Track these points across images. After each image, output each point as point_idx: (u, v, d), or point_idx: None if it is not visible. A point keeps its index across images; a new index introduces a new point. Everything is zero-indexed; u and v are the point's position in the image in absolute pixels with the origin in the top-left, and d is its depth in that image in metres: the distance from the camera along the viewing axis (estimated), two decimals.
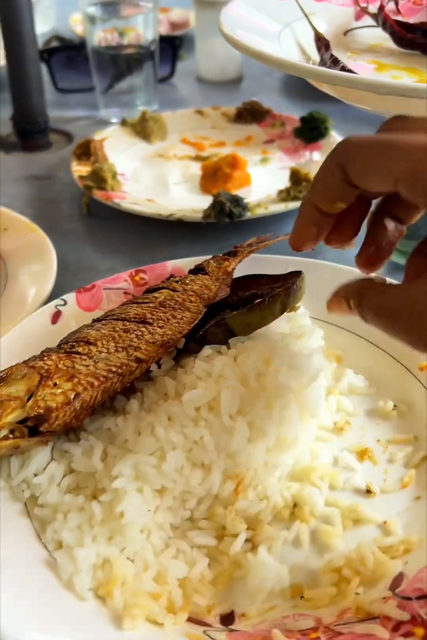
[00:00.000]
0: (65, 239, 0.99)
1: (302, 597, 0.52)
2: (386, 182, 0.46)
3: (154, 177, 1.14)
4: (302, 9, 0.82)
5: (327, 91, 0.76)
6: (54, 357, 0.57)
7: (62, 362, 0.57)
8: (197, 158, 1.19)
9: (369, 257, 0.55)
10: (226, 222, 0.96)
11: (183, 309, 0.66)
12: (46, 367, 0.56)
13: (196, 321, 0.65)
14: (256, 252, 0.78)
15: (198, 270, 0.74)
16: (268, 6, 0.82)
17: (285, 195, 1.00)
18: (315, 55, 0.81)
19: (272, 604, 0.52)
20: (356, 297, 0.51)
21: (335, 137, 1.17)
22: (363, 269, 0.56)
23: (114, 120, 1.33)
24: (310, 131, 1.17)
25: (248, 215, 0.97)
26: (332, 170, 0.50)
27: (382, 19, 0.86)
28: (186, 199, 1.06)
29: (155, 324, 0.63)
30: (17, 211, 0.98)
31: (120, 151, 1.17)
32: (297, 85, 1.56)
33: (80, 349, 0.59)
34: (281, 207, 0.98)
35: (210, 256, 0.78)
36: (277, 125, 1.24)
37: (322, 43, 0.80)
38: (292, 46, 0.79)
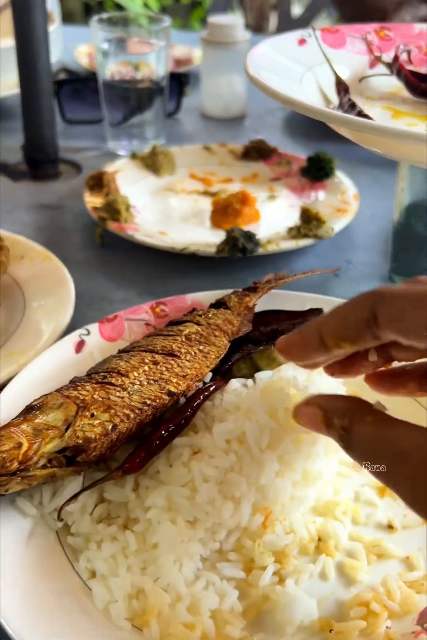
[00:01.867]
0: (79, 268, 1.00)
1: (331, 630, 0.53)
2: (419, 332, 0.42)
3: (163, 210, 1.16)
4: (325, 55, 0.85)
5: (343, 133, 0.79)
6: (88, 388, 0.58)
7: (97, 392, 0.58)
8: (206, 193, 1.21)
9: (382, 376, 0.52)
10: (238, 257, 0.98)
11: (209, 343, 0.67)
12: (82, 397, 0.57)
13: (222, 356, 0.66)
14: (274, 288, 0.80)
15: (219, 304, 0.76)
16: (290, 51, 0.85)
17: (295, 233, 1.02)
18: (334, 99, 0.84)
19: (302, 637, 0.53)
20: (344, 418, 0.46)
21: (340, 177, 1.20)
22: (374, 387, 0.54)
23: (122, 152, 1.35)
24: (316, 171, 1.20)
25: (260, 251, 0.99)
26: (361, 307, 0.46)
27: (397, 69, 0.89)
28: (197, 233, 1.08)
29: (183, 358, 0.64)
30: (29, 239, 0.99)
31: (130, 184, 1.19)
32: (300, 125, 1.60)
33: (113, 380, 0.60)
34: (291, 244, 1.00)
35: (229, 290, 0.80)
36: (284, 164, 1.27)
37: (341, 87, 0.84)
38: (313, 89, 0.82)
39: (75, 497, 0.55)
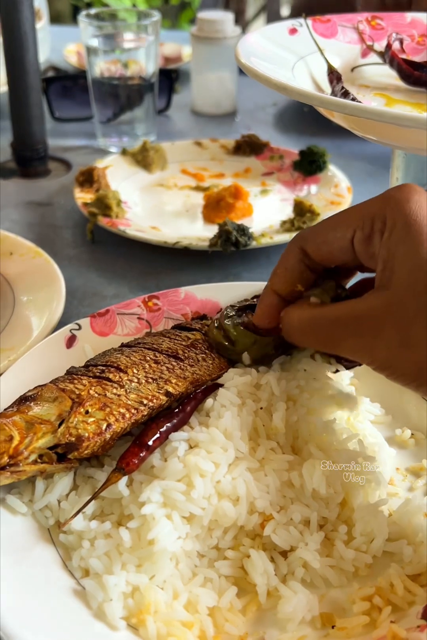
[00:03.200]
0: (70, 265, 0.99)
1: (333, 626, 0.52)
2: (343, 243, 0.54)
3: (155, 205, 1.14)
4: (316, 43, 0.84)
5: (337, 121, 0.78)
6: (85, 382, 0.57)
7: (93, 388, 0.56)
8: (198, 188, 1.19)
9: None
10: (231, 251, 0.96)
11: (214, 356, 0.65)
12: (78, 392, 0.55)
13: (224, 371, 0.64)
14: None
15: None
16: (282, 40, 0.84)
17: (289, 225, 1.01)
18: (326, 88, 0.83)
19: (303, 634, 0.51)
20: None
21: (333, 170, 1.19)
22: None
23: (112, 149, 1.34)
24: (309, 164, 1.19)
25: (253, 244, 0.97)
26: (292, 253, 0.58)
27: (390, 57, 0.88)
28: (189, 228, 1.07)
29: (186, 362, 0.63)
30: (19, 236, 0.97)
31: (121, 179, 1.18)
32: (291, 121, 1.59)
33: (111, 376, 0.58)
34: (285, 237, 0.99)
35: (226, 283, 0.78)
36: (276, 158, 1.26)
37: (334, 76, 0.82)
38: (305, 78, 0.80)
39: (80, 511, 0.53)
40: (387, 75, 0.91)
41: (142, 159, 1.23)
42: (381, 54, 0.91)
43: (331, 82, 0.83)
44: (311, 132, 1.47)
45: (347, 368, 0.66)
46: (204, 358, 0.64)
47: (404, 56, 0.91)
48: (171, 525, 0.52)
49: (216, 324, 0.67)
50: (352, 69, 0.91)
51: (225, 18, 1.46)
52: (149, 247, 1.00)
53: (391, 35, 0.91)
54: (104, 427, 0.54)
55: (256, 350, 0.64)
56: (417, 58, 0.93)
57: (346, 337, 0.52)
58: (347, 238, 0.54)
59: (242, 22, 2.65)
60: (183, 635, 0.48)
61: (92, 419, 0.54)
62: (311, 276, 0.59)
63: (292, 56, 0.82)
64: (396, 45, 0.90)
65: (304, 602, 0.52)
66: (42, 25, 1.63)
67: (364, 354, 0.52)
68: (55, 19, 3.06)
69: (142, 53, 1.29)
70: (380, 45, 0.92)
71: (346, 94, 0.81)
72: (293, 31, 0.90)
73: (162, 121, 1.51)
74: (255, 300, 0.70)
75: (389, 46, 0.89)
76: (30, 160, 1.25)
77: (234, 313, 0.67)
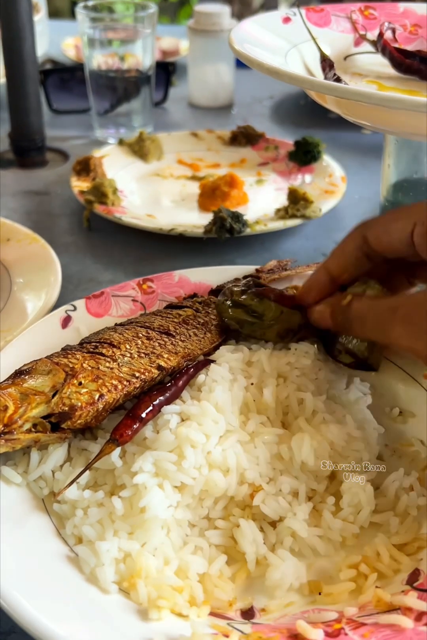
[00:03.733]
0: (66, 251, 1.00)
1: (320, 593, 0.53)
2: (403, 235, 0.55)
3: (151, 194, 1.16)
4: (310, 32, 0.85)
5: (330, 107, 0.79)
6: (78, 356, 0.58)
7: (86, 362, 0.58)
8: (194, 178, 1.21)
9: None
10: (226, 238, 0.97)
11: (205, 330, 0.66)
12: (71, 365, 0.57)
13: (216, 343, 0.66)
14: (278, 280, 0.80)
15: (219, 291, 0.75)
16: (275, 28, 0.85)
17: (283, 213, 1.02)
18: (319, 75, 0.84)
19: (291, 600, 0.52)
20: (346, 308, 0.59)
21: (327, 160, 1.20)
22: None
23: (110, 140, 1.35)
24: (304, 155, 1.20)
25: (248, 231, 0.98)
26: (353, 237, 0.60)
27: (382, 46, 0.89)
28: (185, 216, 1.08)
29: (177, 337, 0.64)
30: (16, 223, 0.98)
31: (117, 169, 1.19)
32: (287, 113, 1.60)
33: (104, 351, 0.59)
34: (279, 224, 1.00)
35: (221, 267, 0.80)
36: (271, 149, 1.27)
37: (326, 64, 0.84)
38: (298, 65, 0.81)
39: (74, 480, 0.54)
40: (380, 63, 0.92)
41: (139, 149, 1.24)
42: (374, 43, 0.92)
43: (323, 69, 0.85)
44: (306, 124, 1.49)
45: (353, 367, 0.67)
46: (195, 333, 0.66)
47: (396, 45, 0.92)
48: (162, 494, 0.53)
49: (229, 304, 0.67)
50: (345, 58, 0.93)
51: (222, 11, 1.48)
52: (145, 235, 1.01)
53: (384, 25, 0.93)
54: (96, 397, 0.55)
55: (283, 322, 0.65)
56: (409, 47, 0.94)
57: (396, 324, 0.53)
58: (407, 230, 0.56)
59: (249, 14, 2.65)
60: (173, 599, 0.49)
61: (85, 390, 0.55)
62: (367, 264, 0.60)
63: (286, 44, 0.84)
64: (388, 34, 0.92)
65: (292, 569, 0.53)
66: (40, 18, 1.64)
67: (411, 340, 0.53)
68: (54, 14, 3.07)
69: (139, 45, 1.30)
70: (372, 35, 0.94)
71: (338, 81, 0.82)
72: (287, 20, 0.91)
73: (159, 113, 1.52)
74: (249, 280, 0.71)
75: (381, 35, 0.91)
76: (27, 150, 1.26)
77: (246, 289, 0.67)
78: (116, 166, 1.20)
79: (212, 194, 1.09)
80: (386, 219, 0.58)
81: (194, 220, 1.06)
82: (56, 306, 0.81)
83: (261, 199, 1.13)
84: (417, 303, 0.53)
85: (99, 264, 0.98)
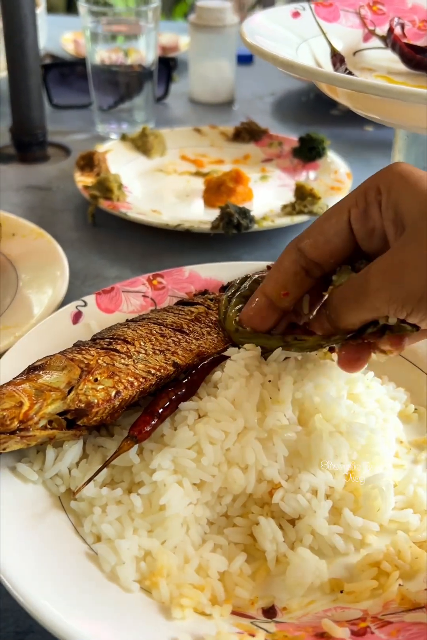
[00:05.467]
0: (71, 247, 0.99)
1: (342, 591, 0.52)
2: (339, 227, 0.54)
3: (156, 189, 1.15)
4: (320, 26, 0.84)
5: (341, 100, 0.79)
6: (93, 352, 0.57)
7: (101, 358, 0.57)
8: (198, 174, 1.20)
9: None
10: (233, 234, 0.96)
11: (218, 329, 0.66)
12: (86, 361, 0.56)
13: (229, 345, 0.65)
14: None
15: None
16: (285, 22, 0.84)
17: (290, 209, 1.01)
18: (330, 70, 0.84)
19: (312, 598, 0.52)
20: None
21: (332, 157, 1.19)
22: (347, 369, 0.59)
23: (112, 136, 1.34)
24: (309, 151, 1.20)
25: (255, 227, 0.98)
26: (287, 254, 0.57)
27: (392, 41, 0.89)
28: (190, 212, 1.08)
29: (191, 335, 0.63)
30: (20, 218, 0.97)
31: (121, 164, 1.18)
32: (289, 110, 1.60)
33: (118, 347, 0.59)
34: (286, 220, 1.00)
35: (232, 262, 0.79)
36: (275, 145, 1.27)
37: (337, 59, 0.83)
38: (309, 59, 0.81)
39: (93, 477, 0.53)
40: (389, 59, 0.91)
41: (142, 144, 1.23)
42: (383, 39, 0.92)
43: (334, 64, 0.84)
44: (308, 121, 1.48)
45: None
46: (208, 331, 0.65)
47: (405, 41, 0.92)
48: (182, 491, 0.52)
49: (229, 312, 0.65)
50: (355, 53, 0.92)
51: (224, 6, 1.47)
52: (151, 230, 1.00)
53: (393, 20, 0.92)
54: (113, 394, 0.54)
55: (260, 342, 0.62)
56: (418, 43, 0.94)
57: (378, 289, 0.50)
58: (343, 220, 0.54)
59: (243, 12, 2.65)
60: (196, 597, 0.48)
61: (101, 386, 0.54)
62: (307, 281, 0.57)
63: (296, 38, 0.83)
64: (397, 30, 0.91)
65: (312, 567, 0.52)
66: (40, 12, 1.63)
67: (397, 298, 0.49)
68: (50, 10, 3.04)
69: (142, 41, 1.29)
70: (381, 30, 0.93)
71: (350, 75, 0.82)
72: (296, 14, 0.90)
73: (160, 109, 1.51)
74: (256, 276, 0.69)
75: (391, 30, 0.90)
76: (29, 145, 1.25)
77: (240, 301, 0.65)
78: (119, 162, 1.19)
79: (217, 189, 1.09)
80: (318, 222, 0.56)
81: (199, 216, 1.05)
82: (63, 302, 0.80)
83: (266, 195, 1.13)
84: (393, 262, 0.50)
85: (105, 259, 0.97)
